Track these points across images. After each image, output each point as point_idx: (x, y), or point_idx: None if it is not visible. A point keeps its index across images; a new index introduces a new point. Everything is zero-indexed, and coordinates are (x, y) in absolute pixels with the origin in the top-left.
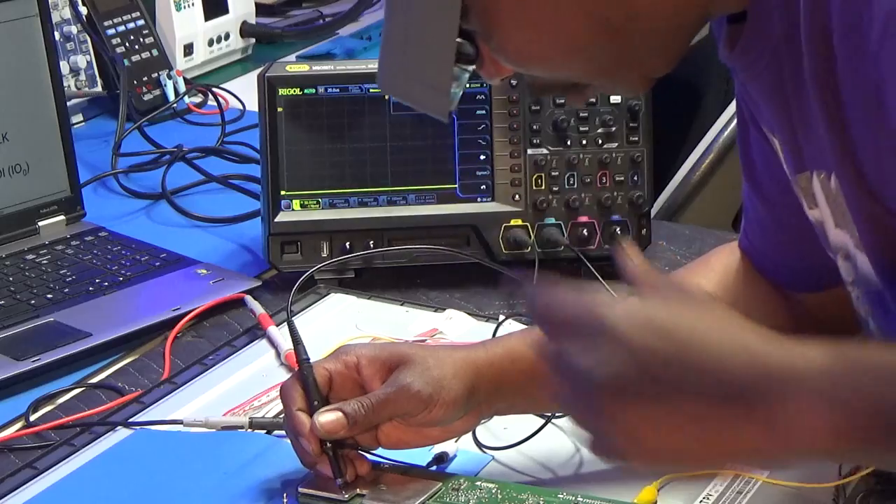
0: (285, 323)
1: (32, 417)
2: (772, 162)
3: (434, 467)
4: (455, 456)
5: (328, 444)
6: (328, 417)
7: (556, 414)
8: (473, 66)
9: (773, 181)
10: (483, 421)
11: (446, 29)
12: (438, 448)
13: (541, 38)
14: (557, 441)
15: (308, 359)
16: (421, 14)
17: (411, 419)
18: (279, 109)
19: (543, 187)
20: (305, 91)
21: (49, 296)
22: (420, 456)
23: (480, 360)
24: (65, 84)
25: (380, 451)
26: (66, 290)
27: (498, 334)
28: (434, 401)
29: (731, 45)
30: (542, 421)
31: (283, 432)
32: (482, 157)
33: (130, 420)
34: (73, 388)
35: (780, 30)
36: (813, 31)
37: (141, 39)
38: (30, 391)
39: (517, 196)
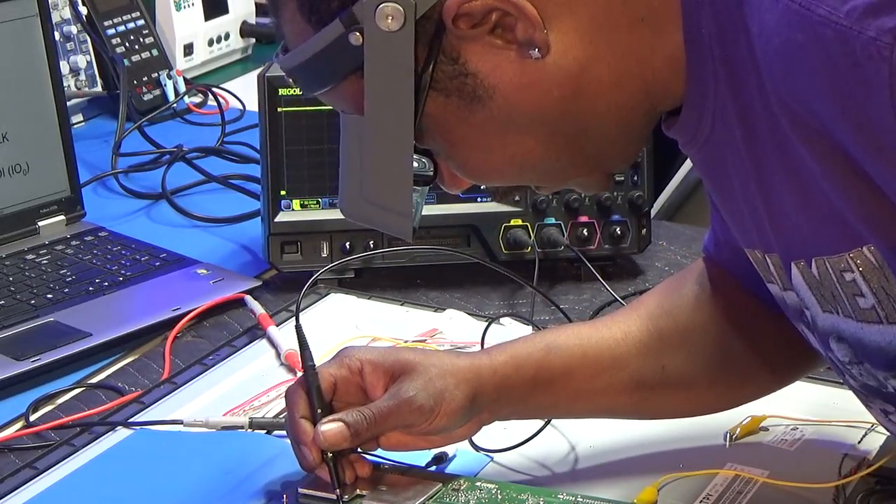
0: (285, 323)
1: (32, 417)
2: None
3: (433, 468)
4: (454, 456)
5: (329, 455)
6: (331, 428)
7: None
8: (431, 185)
9: None
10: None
11: (401, 155)
12: (438, 448)
13: (496, 158)
14: (557, 441)
15: (314, 365)
16: (375, 141)
17: (413, 429)
18: (279, 109)
19: None
20: None
21: (49, 296)
22: (419, 456)
23: (484, 367)
24: (65, 84)
25: (379, 451)
26: (66, 290)
27: (495, 334)
28: (436, 412)
29: (666, 126)
30: (542, 422)
31: (283, 432)
32: None
33: (130, 420)
34: (73, 388)
35: (719, 129)
36: (796, 130)
37: (141, 39)
38: (30, 391)
39: (517, 196)
